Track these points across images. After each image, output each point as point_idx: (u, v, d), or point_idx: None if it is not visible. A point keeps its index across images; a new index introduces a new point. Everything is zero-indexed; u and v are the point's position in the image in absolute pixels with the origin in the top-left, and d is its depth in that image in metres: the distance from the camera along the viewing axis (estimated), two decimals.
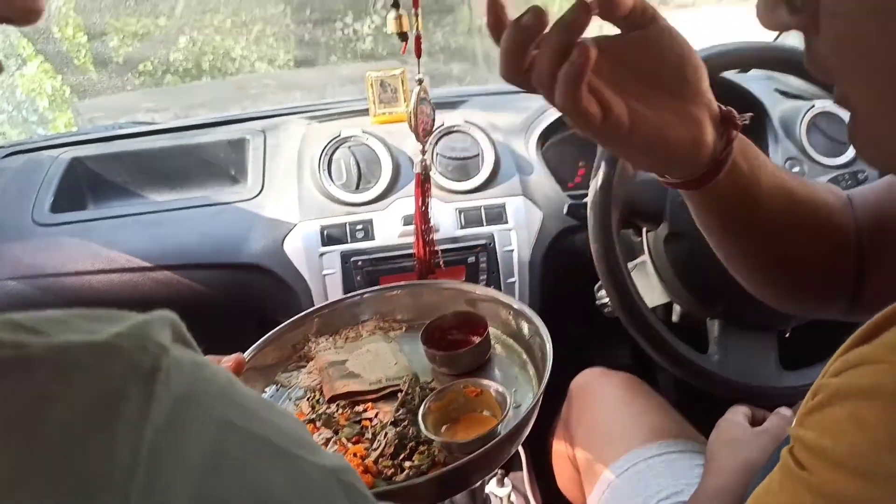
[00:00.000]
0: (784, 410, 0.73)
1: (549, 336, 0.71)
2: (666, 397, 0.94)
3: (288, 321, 0.82)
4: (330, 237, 1.11)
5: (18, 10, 0.31)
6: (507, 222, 1.13)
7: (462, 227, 1.12)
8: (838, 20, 0.31)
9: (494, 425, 0.64)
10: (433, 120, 0.94)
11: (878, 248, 0.55)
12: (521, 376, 0.75)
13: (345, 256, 1.10)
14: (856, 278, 0.56)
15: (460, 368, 0.76)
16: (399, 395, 0.72)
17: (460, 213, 1.13)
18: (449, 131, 1.20)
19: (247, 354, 0.75)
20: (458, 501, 1.07)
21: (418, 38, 0.86)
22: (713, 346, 0.91)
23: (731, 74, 1.14)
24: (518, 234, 1.12)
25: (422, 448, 0.65)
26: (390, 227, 1.12)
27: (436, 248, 1.02)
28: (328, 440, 0.68)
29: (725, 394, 0.88)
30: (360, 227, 1.12)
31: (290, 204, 1.15)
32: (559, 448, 1.02)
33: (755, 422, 0.74)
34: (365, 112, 1.30)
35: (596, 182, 0.87)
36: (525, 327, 0.78)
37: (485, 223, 1.13)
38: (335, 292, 1.10)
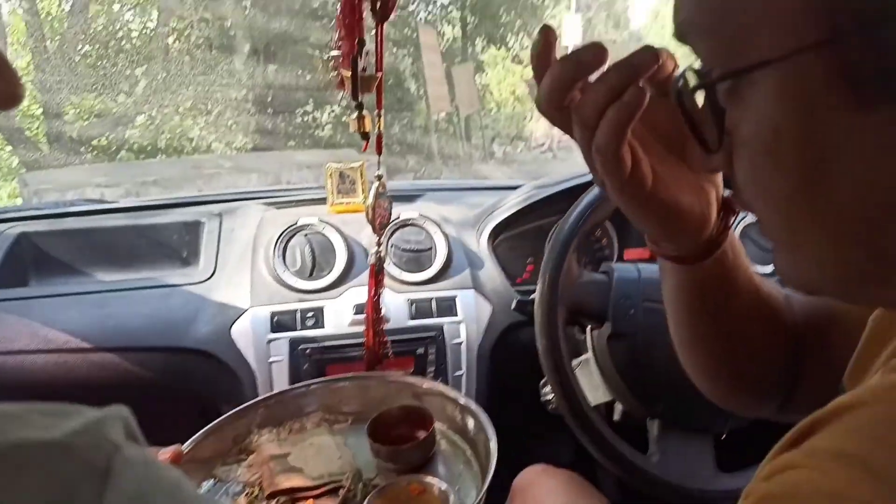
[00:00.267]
0: None
1: (493, 433, 0.72)
2: (608, 496, 0.94)
3: (231, 412, 0.81)
4: (279, 324, 1.10)
5: (0, 94, 0.33)
6: (457, 315, 1.15)
7: (412, 318, 1.14)
8: (743, 156, 0.34)
9: None
10: (390, 213, 0.98)
11: (811, 349, 0.58)
12: (466, 473, 0.75)
13: (293, 344, 1.10)
14: (791, 378, 0.59)
15: (405, 464, 0.75)
16: (341, 491, 0.71)
17: (412, 304, 1.15)
18: (404, 224, 1.23)
19: (185, 446, 0.73)
20: None
21: (380, 138, 0.90)
22: (653, 447, 0.93)
23: None
24: (467, 326, 1.14)
25: None
26: (341, 316, 1.12)
27: (385, 339, 1.03)
28: None
29: (664, 495, 0.88)
30: (310, 314, 1.12)
31: (241, 289, 1.14)
32: None
33: None
34: (322, 201, 1.33)
35: (544, 280, 0.91)
36: (471, 423, 0.78)
37: (435, 315, 1.14)
38: (281, 380, 1.08)
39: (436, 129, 7.62)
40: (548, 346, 0.89)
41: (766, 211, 0.34)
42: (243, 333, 1.10)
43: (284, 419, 0.84)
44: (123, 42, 6.20)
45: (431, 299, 1.16)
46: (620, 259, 1.27)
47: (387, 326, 1.04)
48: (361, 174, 1.32)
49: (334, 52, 0.88)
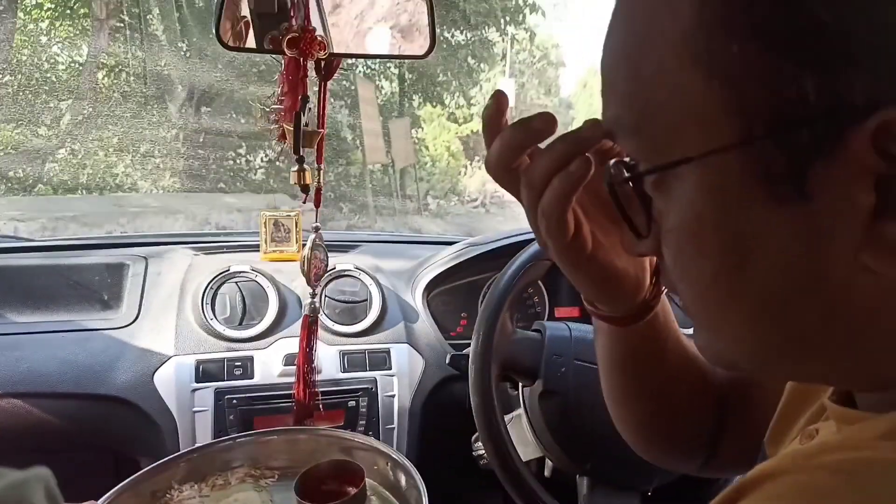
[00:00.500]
0: None
1: (425, 490, 0.71)
2: None
3: (151, 465, 0.77)
4: (205, 372, 1.07)
5: None
6: (390, 368, 1.14)
7: (344, 371, 1.12)
8: (670, 241, 0.36)
9: None
10: (326, 265, 0.98)
11: (734, 408, 0.61)
12: None
13: (219, 394, 1.06)
14: (715, 435, 0.62)
15: None
16: None
17: (344, 356, 1.14)
18: (339, 275, 1.23)
19: (101, 502, 0.69)
20: None
21: (318, 191, 0.91)
22: (582, 503, 0.94)
23: None
24: (400, 380, 1.14)
25: None
26: (271, 366, 1.10)
27: (316, 391, 1.01)
28: None
29: None
30: (238, 363, 1.09)
31: (165, 335, 1.10)
32: None
33: None
34: (253, 247, 1.31)
35: (478, 336, 0.92)
36: (402, 479, 0.77)
37: (368, 368, 1.13)
38: (204, 431, 1.04)
39: (371, 181, 7.66)
40: (480, 402, 0.90)
41: (689, 292, 0.36)
42: (166, 382, 1.05)
43: (207, 474, 0.81)
44: (49, 74, 5.98)
45: (364, 352, 1.15)
46: (551, 317, 1.30)
47: (318, 378, 1.02)
48: (297, 223, 1.32)
49: (276, 107, 0.89)
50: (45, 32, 6.25)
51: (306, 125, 0.86)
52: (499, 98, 0.47)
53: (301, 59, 0.84)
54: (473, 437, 1.06)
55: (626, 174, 0.37)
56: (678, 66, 0.31)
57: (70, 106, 5.97)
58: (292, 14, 0.84)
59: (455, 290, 1.30)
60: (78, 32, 6.37)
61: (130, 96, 5.90)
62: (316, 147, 0.89)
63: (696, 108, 0.31)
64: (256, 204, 5.86)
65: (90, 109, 5.90)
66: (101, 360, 1.07)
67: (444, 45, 8.37)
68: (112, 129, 5.89)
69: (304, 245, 1.00)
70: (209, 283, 1.15)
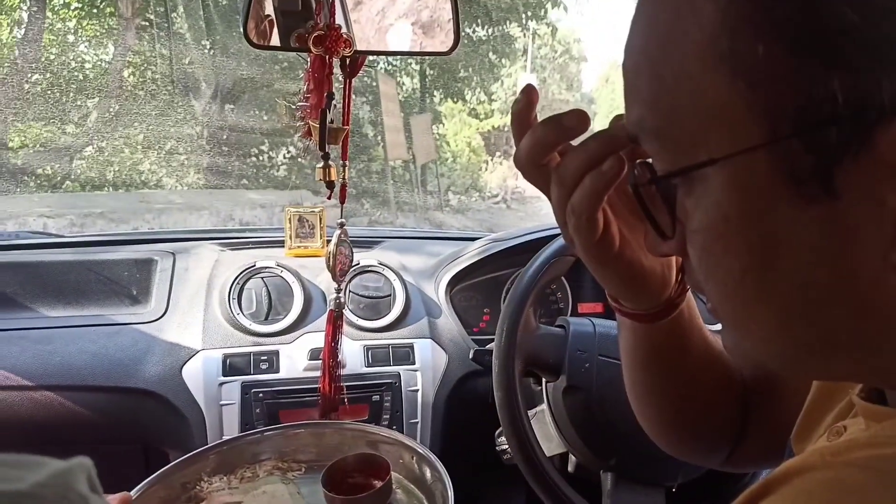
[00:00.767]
0: None
1: (450, 484, 0.72)
2: None
3: (182, 457, 0.78)
4: (232, 366, 1.08)
5: None
6: (413, 363, 1.15)
7: (369, 365, 1.13)
8: (696, 240, 0.35)
9: None
10: (350, 261, 0.99)
11: (759, 403, 0.61)
12: None
13: (245, 387, 1.08)
14: (739, 430, 0.62)
15: None
16: None
17: (368, 350, 1.15)
18: (363, 271, 1.24)
19: (134, 492, 0.70)
20: None
21: (343, 187, 0.92)
22: (606, 499, 0.94)
23: None
24: (424, 375, 1.15)
25: None
26: (296, 360, 1.11)
27: (341, 385, 1.02)
28: None
29: None
30: (264, 357, 1.11)
31: (193, 330, 1.12)
32: None
33: None
34: (278, 243, 1.33)
35: (502, 332, 0.92)
36: (427, 473, 0.78)
37: (392, 362, 1.14)
38: (231, 424, 1.06)
39: (392, 176, 7.69)
40: (504, 397, 0.90)
41: (716, 291, 0.36)
42: (194, 375, 1.07)
43: (236, 466, 0.82)
44: (76, 73, 6.08)
45: (388, 346, 1.16)
46: (574, 313, 1.30)
47: (342, 373, 1.03)
48: (321, 219, 1.33)
49: (302, 104, 0.90)
50: (72, 31, 6.36)
51: (331, 122, 0.87)
52: (529, 92, 0.47)
53: (327, 57, 0.85)
54: (497, 432, 1.07)
55: (651, 176, 0.37)
56: (702, 68, 0.31)
57: (97, 104, 6.07)
58: (316, 12, 0.85)
59: (478, 286, 1.30)
60: (104, 31, 6.48)
61: (156, 94, 5.98)
62: (341, 143, 0.90)
63: (720, 110, 0.31)
64: (279, 200, 5.92)
65: (116, 107, 5.99)
66: (131, 353, 1.10)
67: (466, 41, 8.36)
68: (138, 127, 5.98)
69: (328, 241, 1.01)
70: (235, 279, 1.17)
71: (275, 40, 0.90)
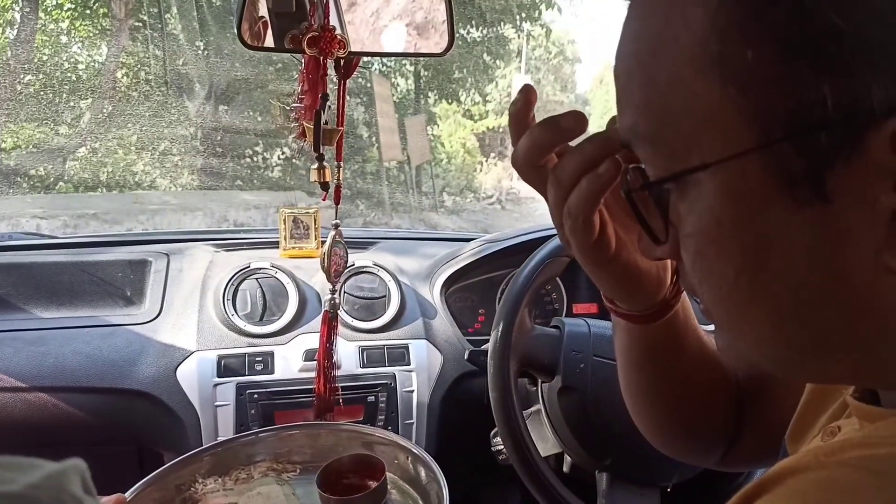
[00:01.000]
0: None
1: (446, 483, 0.72)
2: None
3: (177, 459, 0.78)
4: (227, 367, 1.08)
5: None
6: (408, 364, 1.15)
7: (364, 366, 1.13)
8: (689, 244, 0.36)
9: None
10: (345, 262, 0.98)
11: (753, 402, 0.61)
12: None
13: (240, 388, 1.07)
14: (733, 429, 0.62)
15: None
16: None
17: (363, 351, 1.15)
18: (358, 271, 1.24)
19: (128, 494, 0.70)
20: None
21: (338, 188, 0.92)
22: (601, 500, 0.94)
23: None
24: (419, 375, 1.15)
25: None
26: (291, 361, 1.11)
27: (336, 386, 1.02)
28: None
29: None
30: (259, 359, 1.10)
31: (188, 331, 1.12)
32: None
33: None
34: (273, 244, 1.32)
35: (497, 332, 0.92)
36: (422, 473, 0.78)
37: (387, 363, 1.14)
38: (226, 425, 1.06)
39: (387, 177, 7.68)
40: (500, 398, 0.90)
41: (710, 294, 0.36)
42: (189, 376, 1.07)
43: (231, 468, 0.82)
44: (69, 74, 6.06)
45: (383, 347, 1.16)
46: (569, 313, 1.30)
47: (337, 373, 1.03)
48: (316, 220, 1.33)
49: (296, 105, 0.90)
50: (65, 32, 6.34)
51: (326, 123, 0.87)
52: (527, 93, 0.47)
53: (321, 58, 0.85)
54: (492, 433, 1.07)
55: (644, 181, 0.37)
56: (693, 73, 0.31)
57: (90, 105, 6.04)
58: (310, 13, 0.85)
59: (473, 287, 1.30)
60: (97, 32, 6.45)
61: (149, 95, 5.97)
62: (335, 145, 0.90)
63: (712, 115, 0.31)
64: (274, 201, 5.91)
65: (110, 108, 5.97)
66: (125, 354, 1.09)
67: (460, 42, 8.36)
68: (131, 128, 5.96)
69: (323, 242, 1.00)
70: (230, 280, 1.17)
71: (269, 41, 0.90)
